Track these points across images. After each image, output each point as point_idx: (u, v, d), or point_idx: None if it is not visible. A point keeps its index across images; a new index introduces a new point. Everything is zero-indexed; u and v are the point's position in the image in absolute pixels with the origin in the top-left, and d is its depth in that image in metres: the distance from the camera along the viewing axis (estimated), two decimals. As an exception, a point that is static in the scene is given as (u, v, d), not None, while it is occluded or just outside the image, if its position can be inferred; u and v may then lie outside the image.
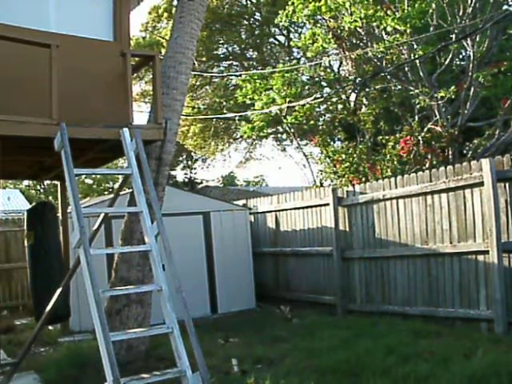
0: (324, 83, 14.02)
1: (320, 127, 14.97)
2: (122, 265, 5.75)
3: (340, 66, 15.66)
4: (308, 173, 17.65)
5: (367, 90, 13.20)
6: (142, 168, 4.64)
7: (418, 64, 11.15)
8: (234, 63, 21.48)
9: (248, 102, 13.91)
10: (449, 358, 5.07)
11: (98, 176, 26.90)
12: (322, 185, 13.46)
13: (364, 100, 13.96)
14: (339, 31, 11.90)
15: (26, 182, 26.73)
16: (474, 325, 6.41)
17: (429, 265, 7.07)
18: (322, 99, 13.39)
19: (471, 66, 10.81)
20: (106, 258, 7.80)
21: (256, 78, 13.45)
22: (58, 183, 7.83)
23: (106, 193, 25.13)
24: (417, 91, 11.21)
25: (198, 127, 20.76)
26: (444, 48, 10.69)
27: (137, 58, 6.17)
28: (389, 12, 10.81)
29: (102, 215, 5.85)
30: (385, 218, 7.75)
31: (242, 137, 20.41)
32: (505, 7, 12.03)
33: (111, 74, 5.42)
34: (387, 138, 11.83)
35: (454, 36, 10.77)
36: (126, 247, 5.71)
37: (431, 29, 10.86)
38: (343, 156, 12.25)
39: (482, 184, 6.32)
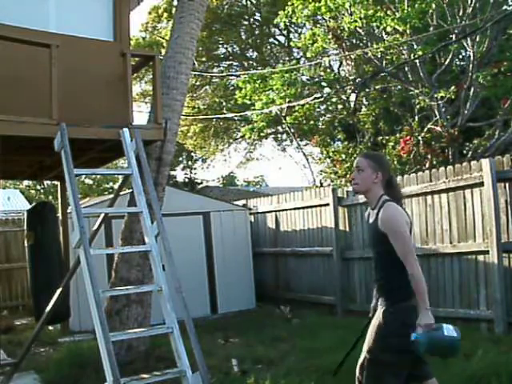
0: (324, 83, 14.01)
1: (320, 127, 14.97)
2: (122, 265, 5.75)
3: (340, 66, 15.65)
4: (308, 173, 17.64)
5: (367, 90, 13.20)
6: (142, 168, 4.64)
7: (418, 64, 11.14)
8: (234, 63, 21.48)
9: (248, 102, 13.92)
10: (449, 357, 5.06)
11: (98, 176, 26.89)
12: (322, 185, 13.46)
13: (364, 100, 13.96)
14: (339, 31, 11.89)
15: (26, 182, 26.68)
16: (474, 325, 6.39)
17: (429, 265, 7.06)
18: (321, 99, 13.39)
19: (471, 66, 10.81)
20: (105, 258, 7.79)
21: (256, 78, 13.45)
22: (58, 183, 7.83)
23: (106, 193, 25.11)
24: (417, 91, 11.21)
25: (198, 127, 20.75)
26: (444, 48, 10.68)
27: (137, 58, 6.17)
28: (389, 12, 10.81)
29: (102, 215, 5.86)
30: (385, 218, 7.73)
31: (242, 137, 20.42)
32: (505, 7, 12.01)
33: (111, 74, 5.42)
34: (387, 138, 11.84)
35: (454, 36, 10.77)
36: (126, 247, 5.70)
37: (431, 29, 10.86)
38: (343, 156, 12.26)
39: (482, 184, 6.31)
